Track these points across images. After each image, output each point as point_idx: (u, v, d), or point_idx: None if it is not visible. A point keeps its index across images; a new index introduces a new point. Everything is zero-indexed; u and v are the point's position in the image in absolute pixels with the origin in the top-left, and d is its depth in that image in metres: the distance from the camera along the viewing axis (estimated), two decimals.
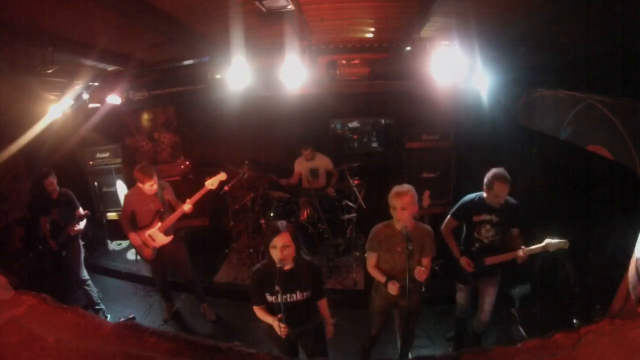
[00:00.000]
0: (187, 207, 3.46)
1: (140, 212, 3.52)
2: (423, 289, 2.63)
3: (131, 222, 3.54)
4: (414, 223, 2.56)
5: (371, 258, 2.65)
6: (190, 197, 3.53)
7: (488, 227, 2.90)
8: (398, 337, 3.10)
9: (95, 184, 5.72)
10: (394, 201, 2.48)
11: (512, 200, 2.87)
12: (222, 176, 3.64)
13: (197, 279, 3.97)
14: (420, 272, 2.48)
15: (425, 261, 2.59)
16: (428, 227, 2.66)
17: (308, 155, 5.03)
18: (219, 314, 4.05)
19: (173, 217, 3.49)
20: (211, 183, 3.57)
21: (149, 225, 3.52)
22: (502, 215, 2.86)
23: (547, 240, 2.69)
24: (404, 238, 2.40)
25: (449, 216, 3.08)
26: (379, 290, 2.74)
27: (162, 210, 3.53)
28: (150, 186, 3.39)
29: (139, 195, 3.48)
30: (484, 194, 2.89)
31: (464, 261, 2.95)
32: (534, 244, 2.76)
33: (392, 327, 3.13)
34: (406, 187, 2.52)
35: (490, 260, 2.90)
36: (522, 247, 2.80)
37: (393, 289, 2.47)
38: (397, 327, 2.97)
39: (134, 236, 3.50)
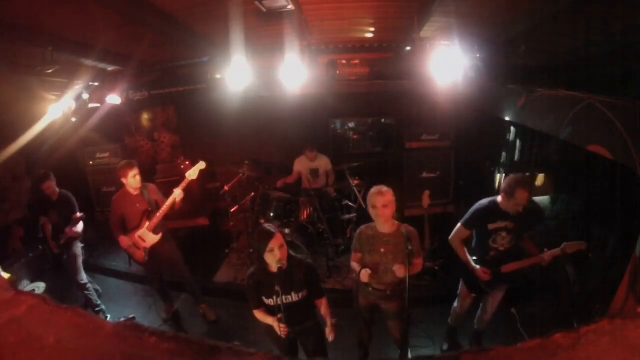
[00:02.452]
0: (177, 192, 3.45)
1: (129, 214, 3.54)
2: (406, 295, 2.42)
3: (121, 226, 3.57)
4: (396, 224, 2.54)
5: (354, 255, 2.69)
6: (190, 197, 3.53)
7: (504, 234, 2.77)
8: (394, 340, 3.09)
9: (95, 184, 5.74)
10: (375, 199, 2.46)
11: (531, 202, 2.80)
12: (201, 165, 3.66)
13: (193, 279, 3.98)
14: (399, 268, 2.42)
15: (417, 261, 2.56)
16: (411, 227, 2.56)
17: (312, 157, 5.03)
18: (219, 314, 4.04)
19: (160, 215, 3.49)
20: (191, 174, 3.58)
21: (137, 227, 3.53)
22: (518, 221, 2.74)
23: (565, 243, 2.64)
24: (405, 238, 2.40)
25: (459, 225, 2.88)
26: (361, 288, 2.75)
27: (149, 209, 3.55)
28: (134, 178, 3.41)
29: (125, 198, 3.52)
30: (499, 200, 2.75)
31: (481, 272, 2.81)
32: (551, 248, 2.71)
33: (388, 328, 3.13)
34: (385, 187, 2.51)
35: (507, 269, 2.80)
36: (545, 249, 2.72)
37: (365, 276, 2.48)
38: (390, 333, 2.94)
39: (124, 239, 3.52)
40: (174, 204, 3.48)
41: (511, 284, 2.97)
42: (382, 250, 2.52)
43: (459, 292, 3.20)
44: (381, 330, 3.06)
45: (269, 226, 2.22)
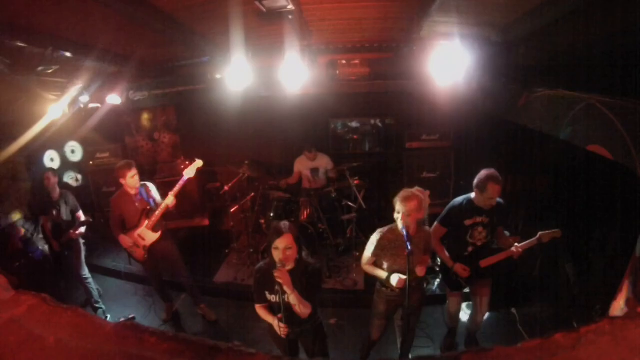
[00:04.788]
0: (169, 200, 3.49)
1: (128, 213, 3.57)
2: (426, 285, 2.61)
3: (120, 226, 3.60)
4: (417, 226, 2.55)
5: (367, 258, 2.66)
6: (191, 197, 3.53)
7: (480, 229, 2.85)
8: (398, 336, 3.10)
9: (95, 184, 5.74)
10: (400, 206, 2.44)
11: (499, 199, 2.84)
12: (198, 163, 3.70)
13: (191, 278, 3.98)
14: (421, 269, 2.48)
15: (425, 258, 2.61)
16: (428, 229, 2.66)
17: (311, 157, 5.03)
18: (219, 314, 4.04)
19: (159, 213, 3.53)
20: (188, 172, 3.62)
21: (137, 225, 3.56)
22: (491, 216, 2.83)
23: (540, 233, 2.70)
24: (405, 238, 2.40)
25: (436, 224, 2.98)
26: (382, 293, 2.73)
27: (147, 208, 3.58)
28: (132, 178, 3.44)
29: (124, 198, 3.55)
30: (472, 196, 2.85)
31: (459, 267, 2.87)
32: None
33: (392, 327, 3.14)
34: (414, 192, 2.47)
35: (485, 263, 2.87)
36: (516, 244, 2.79)
37: (400, 282, 2.45)
38: (398, 327, 2.97)
39: (124, 238, 3.55)
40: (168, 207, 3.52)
41: (494, 279, 3.01)
42: (405, 252, 2.51)
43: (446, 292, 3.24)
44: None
45: (283, 224, 2.22)
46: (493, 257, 2.86)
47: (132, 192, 3.53)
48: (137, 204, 3.56)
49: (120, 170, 3.45)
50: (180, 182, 3.54)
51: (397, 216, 2.47)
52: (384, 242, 2.57)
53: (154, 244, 3.61)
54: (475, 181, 2.79)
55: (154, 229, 3.57)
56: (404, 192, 2.48)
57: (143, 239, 3.57)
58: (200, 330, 3.90)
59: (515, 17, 2.75)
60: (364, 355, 3.07)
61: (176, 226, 5.41)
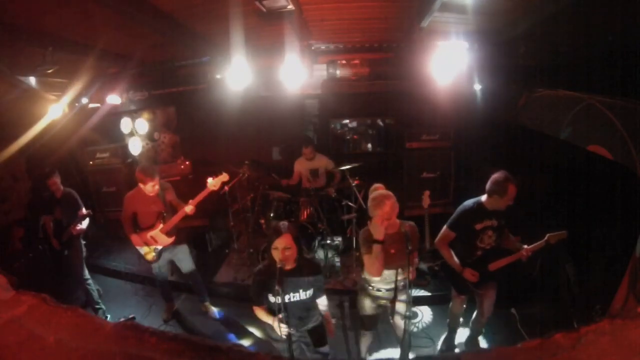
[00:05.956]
0: (189, 208, 3.40)
1: (142, 213, 3.49)
2: (411, 291, 2.48)
3: (132, 224, 3.52)
4: (398, 221, 2.52)
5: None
6: (191, 197, 3.50)
7: (490, 232, 2.80)
8: (396, 337, 3.09)
9: (95, 184, 5.73)
10: (376, 212, 2.40)
11: None
12: (224, 177, 3.55)
13: (201, 280, 3.96)
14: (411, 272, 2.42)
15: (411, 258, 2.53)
16: (411, 222, 2.57)
17: (309, 155, 5.02)
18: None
19: (175, 219, 3.45)
20: (213, 184, 3.48)
21: (151, 227, 3.49)
22: (500, 218, 2.78)
23: (548, 234, 2.67)
24: (405, 238, 2.39)
25: (445, 228, 2.88)
26: (366, 292, 2.73)
27: (163, 211, 3.50)
28: (152, 187, 3.34)
29: (140, 197, 3.45)
30: (482, 199, 2.78)
31: (468, 273, 2.81)
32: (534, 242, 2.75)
33: (391, 327, 3.13)
34: (382, 194, 2.44)
35: (493, 266, 2.83)
36: (525, 246, 2.76)
37: (380, 231, 2.35)
38: (393, 330, 2.94)
39: (135, 238, 3.48)
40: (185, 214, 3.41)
41: (500, 281, 2.98)
42: (392, 251, 2.49)
43: (451, 293, 3.21)
44: (381, 330, 3.06)
45: (282, 224, 2.23)
46: (502, 260, 2.81)
47: (150, 194, 3.43)
48: (153, 206, 3.46)
49: (141, 175, 3.32)
50: (203, 193, 3.43)
51: (379, 221, 2.43)
52: (370, 239, 2.52)
53: (167, 248, 3.55)
54: (492, 186, 2.69)
55: (168, 233, 3.49)
56: (374, 200, 2.45)
57: (156, 241, 3.50)
58: (201, 330, 3.89)
59: (515, 17, 2.76)
60: (362, 355, 3.07)
61: (178, 226, 5.41)
